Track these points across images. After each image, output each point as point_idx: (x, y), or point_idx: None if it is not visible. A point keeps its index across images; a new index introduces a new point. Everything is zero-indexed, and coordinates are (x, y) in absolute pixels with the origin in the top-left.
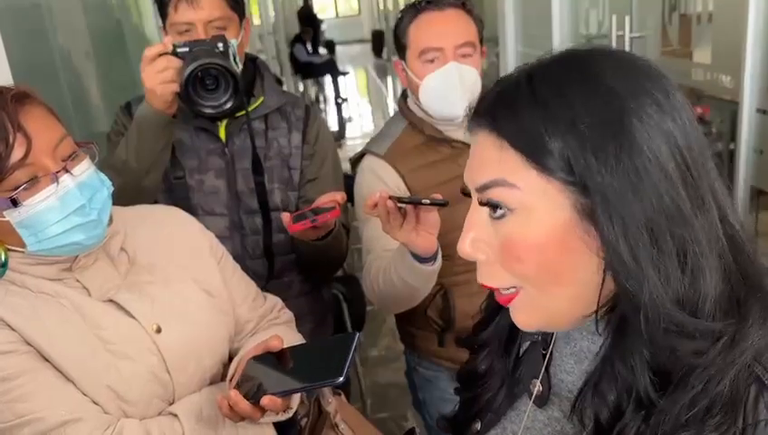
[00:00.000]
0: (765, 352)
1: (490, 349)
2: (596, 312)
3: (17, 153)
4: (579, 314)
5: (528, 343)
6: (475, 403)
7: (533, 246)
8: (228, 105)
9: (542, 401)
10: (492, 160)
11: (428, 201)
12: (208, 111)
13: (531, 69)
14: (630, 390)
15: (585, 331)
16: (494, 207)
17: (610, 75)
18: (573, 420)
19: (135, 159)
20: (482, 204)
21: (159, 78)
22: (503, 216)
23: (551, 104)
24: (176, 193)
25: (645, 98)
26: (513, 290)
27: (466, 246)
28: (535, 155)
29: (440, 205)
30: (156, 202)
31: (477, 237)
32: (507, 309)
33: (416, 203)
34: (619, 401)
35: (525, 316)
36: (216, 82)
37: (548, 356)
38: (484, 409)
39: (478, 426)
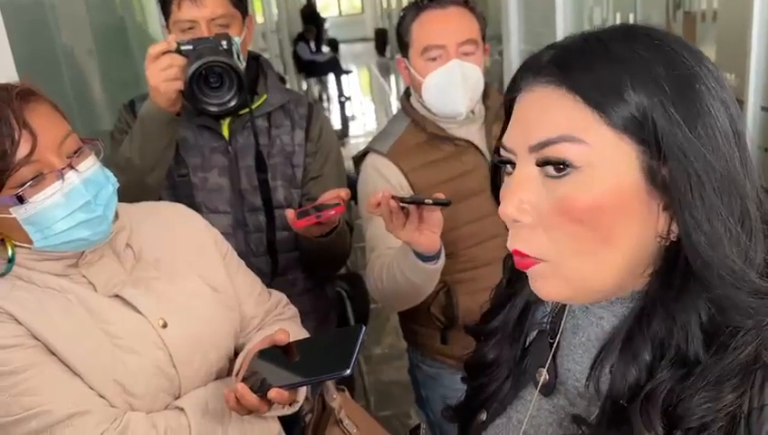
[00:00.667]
0: None
1: (498, 338)
2: (651, 272)
3: (23, 150)
4: (612, 287)
5: (535, 332)
6: (482, 392)
7: (594, 207)
8: (232, 103)
9: (548, 390)
10: (557, 116)
11: (431, 201)
12: (213, 108)
13: (593, 33)
14: (663, 349)
15: (593, 319)
16: (555, 164)
17: (675, 44)
18: (579, 406)
19: (139, 157)
20: (539, 164)
21: (163, 76)
22: (563, 175)
23: (630, 60)
24: (179, 191)
25: (705, 70)
26: (542, 259)
27: (512, 209)
28: (612, 110)
29: (443, 204)
30: (160, 199)
31: (526, 199)
32: (517, 298)
33: (419, 203)
34: (652, 361)
35: (548, 287)
36: (220, 79)
37: (555, 346)
38: (489, 399)
39: (484, 416)
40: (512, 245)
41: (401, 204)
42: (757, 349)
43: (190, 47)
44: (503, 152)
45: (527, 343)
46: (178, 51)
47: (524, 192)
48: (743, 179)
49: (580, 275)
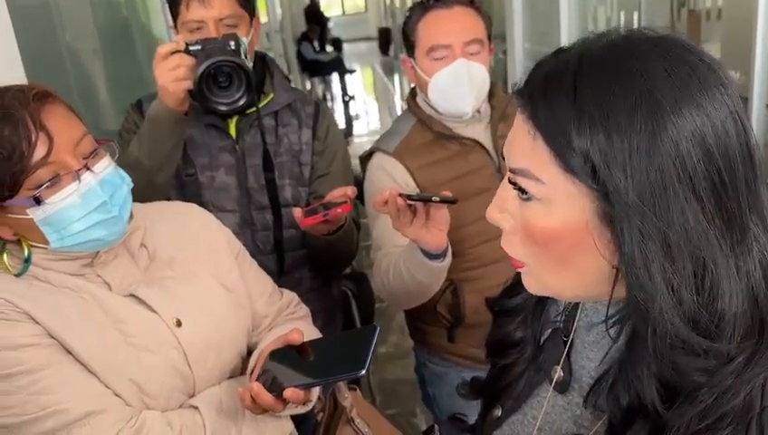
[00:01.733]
0: None
1: (523, 317)
2: (605, 321)
3: (39, 152)
4: (582, 297)
5: (549, 330)
6: (507, 375)
7: (548, 236)
8: (241, 102)
9: (562, 388)
10: (524, 148)
11: (438, 199)
12: (222, 107)
13: (585, 52)
14: (642, 398)
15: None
16: (521, 190)
17: (661, 79)
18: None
19: (147, 157)
20: (511, 183)
21: (172, 75)
22: (528, 199)
23: (588, 107)
24: (187, 190)
25: (690, 109)
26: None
27: (495, 213)
28: (564, 155)
29: (450, 202)
30: (168, 199)
31: (505, 206)
32: None
33: (426, 200)
34: (631, 405)
35: (532, 283)
36: (229, 79)
37: (569, 343)
38: (504, 395)
39: (499, 412)
40: (501, 243)
41: (408, 201)
42: (746, 396)
43: (199, 47)
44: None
45: (541, 341)
46: (187, 51)
47: (504, 202)
48: (708, 235)
49: (548, 284)
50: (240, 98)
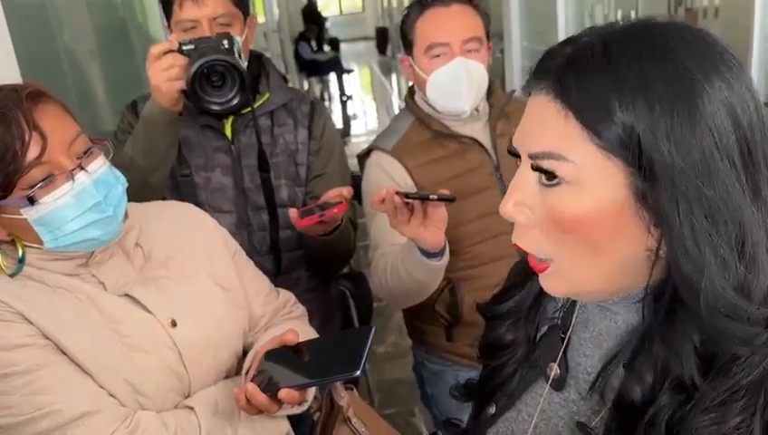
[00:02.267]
0: None
1: (514, 319)
2: (643, 299)
3: (33, 151)
4: (609, 291)
5: (546, 327)
6: (498, 375)
7: (581, 221)
8: (235, 101)
9: (558, 385)
10: (550, 129)
11: (436, 196)
12: (215, 107)
13: (605, 34)
14: (667, 373)
15: (605, 313)
16: (546, 174)
17: (688, 56)
18: (590, 400)
19: (142, 157)
20: (534, 169)
21: (165, 75)
22: (554, 184)
23: (627, 79)
24: (182, 190)
25: (717, 80)
26: (546, 259)
27: (509, 207)
28: (600, 130)
29: (448, 200)
30: (164, 199)
31: (521, 200)
32: (534, 279)
33: (423, 198)
34: (654, 382)
35: (553, 284)
36: (222, 78)
37: (566, 340)
38: (498, 390)
39: (493, 410)
40: (514, 239)
41: (406, 199)
42: (764, 371)
43: (192, 47)
44: (512, 148)
45: (537, 338)
46: (180, 50)
47: (521, 193)
48: (744, 204)
49: (574, 278)
50: (233, 97)
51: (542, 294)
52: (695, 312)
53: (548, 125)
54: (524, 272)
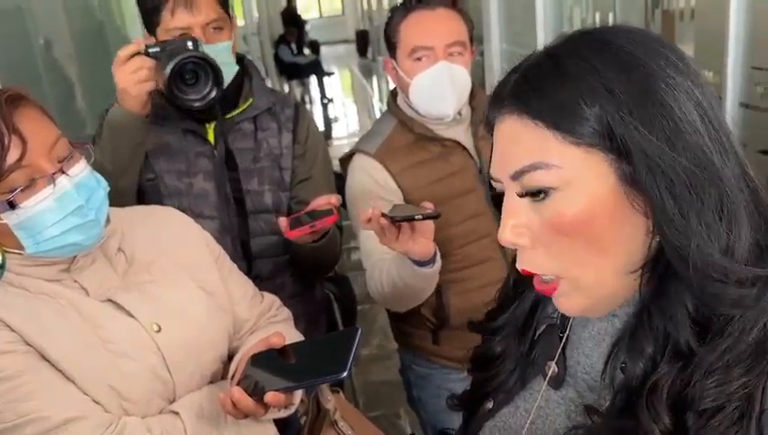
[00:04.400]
0: None
1: (506, 332)
2: (642, 268)
3: (13, 155)
4: (624, 289)
5: (544, 326)
6: (488, 384)
7: (581, 220)
8: (213, 95)
9: (557, 383)
10: (525, 143)
11: (421, 216)
12: (196, 104)
13: (550, 49)
14: (666, 342)
15: (618, 316)
16: (534, 194)
17: (628, 44)
18: (588, 398)
19: (110, 161)
20: (521, 195)
21: (134, 78)
22: (545, 197)
23: (581, 76)
24: (148, 196)
25: (663, 62)
26: (552, 278)
27: (507, 235)
28: (574, 128)
29: (433, 217)
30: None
31: (518, 223)
32: (526, 295)
33: (409, 220)
34: (655, 354)
35: (570, 301)
36: (195, 76)
37: (565, 339)
38: (496, 389)
39: (490, 405)
40: (520, 266)
41: (392, 223)
42: (764, 331)
43: (158, 49)
44: (493, 182)
45: (536, 336)
46: (146, 53)
47: (514, 217)
48: (717, 166)
49: (588, 284)
50: (210, 91)
51: (536, 305)
52: (686, 279)
53: (521, 140)
54: (516, 287)
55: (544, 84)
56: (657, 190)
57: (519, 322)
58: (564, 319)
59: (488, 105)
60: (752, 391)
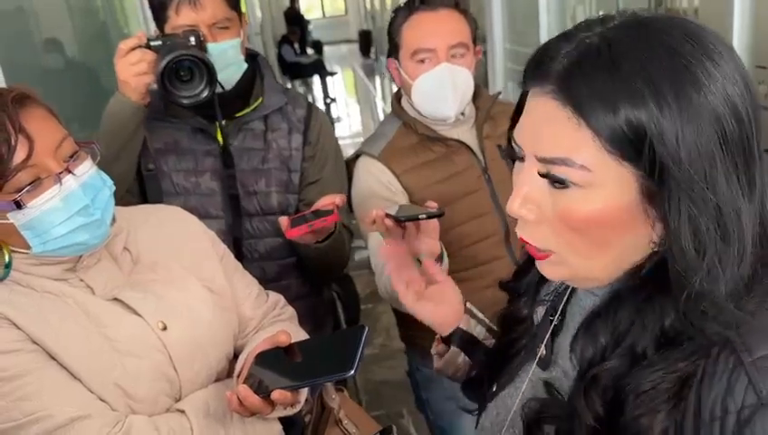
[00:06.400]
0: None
1: (527, 298)
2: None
3: (20, 155)
4: (608, 278)
5: (543, 310)
6: (512, 347)
7: (592, 220)
8: (204, 94)
9: (544, 365)
10: (561, 135)
11: (425, 216)
12: (185, 101)
13: (607, 34)
14: (622, 338)
15: (590, 294)
16: (556, 180)
17: (689, 49)
18: (571, 377)
19: (104, 147)
20: (542, 175)
21: (134, 70)
22: (564, 188)
23: (635, 82)
24: (146, 185)
25: (719, 75)
26: (547, 250)
27: (516, 206)
28: (614, 139)
29: (437, 216)
30: (128, 193)
31: (529, 197)
32: None
33: (413, 220)
34: (607, 344)
35: (554, 271)
36: (190, 73)
37: (559, 324)
38: (501, 373)
39: (495, 387)
40: (519, 233)
41: (396, 223)
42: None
43: (159, 43)
44: (513, 143)
45: (536, 321)
46: (148, 46)
47: (528, 190)
48: (743, 204)
49: (576, 267)
50: (202, 90)
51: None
52: (676, 300)
53: (559, 131)
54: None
55: (596, 81)
56: (678, 219)
57: (532, 289)
58: (555, 304)
59: (531, 65)
60: (686, 375)
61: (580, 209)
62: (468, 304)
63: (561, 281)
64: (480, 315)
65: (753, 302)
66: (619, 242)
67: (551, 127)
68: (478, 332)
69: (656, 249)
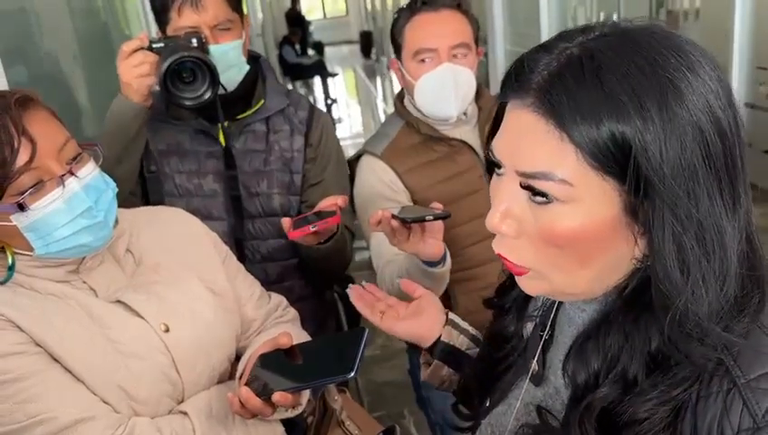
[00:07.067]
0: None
1: (517, 312)
2: (623, 289)
3: (22, 157)
4: (589, 294)
5: (533, 325)
6: (501, 364)
7: (573, 235)
8: (206, 96)
9: (537, 380)
10: (543, 149)
11: (432, 217)
12: (188, 102)
13: (589, 45)
14: (614, 364)
15: (578, 311)
16: (537, 194)
17: (672, 63)
18: (565, 393)
19: (106, 148)
20: (524, 187)
21: (136, 72)
22: (546, 202)
23: (619, 96)
24: (148, 185)
25: (701, 88)
26: (526, 270)
27: (497, 222)
28: (597, 153)
29: (443, 217)
30: (132, 194)
31: (510, 212)
32: None
33: (420, 221)
34: (599, 370)
35: (532, 287)
36: (192, 74)
37: (549, 339)
38: (493, 388)
39: (488, 403)
40: (496, 248)
41: (402, 224)
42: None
43: (162, 45)
44: (491, 156)
45: (525, 336)
46: (150, 48)
47: (508, 205)
48: (726, 221)
49: (557, 282)
50: (205, 92)
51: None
52: (660, 320)
53: (540, 145)
54: None
55: (579, 94)
56: (662, 235)
57: (519, 302)
58: (545, 319)
59: (509, 77)
60: (681, 403)
61: (562, 225)
62: (451, 315)
63: (541, 294)
64: (463, 325)
65: (743, 323)
66: (601, 257)
67: (531, 141)
68: (461, 342)
69: (638, 265)
